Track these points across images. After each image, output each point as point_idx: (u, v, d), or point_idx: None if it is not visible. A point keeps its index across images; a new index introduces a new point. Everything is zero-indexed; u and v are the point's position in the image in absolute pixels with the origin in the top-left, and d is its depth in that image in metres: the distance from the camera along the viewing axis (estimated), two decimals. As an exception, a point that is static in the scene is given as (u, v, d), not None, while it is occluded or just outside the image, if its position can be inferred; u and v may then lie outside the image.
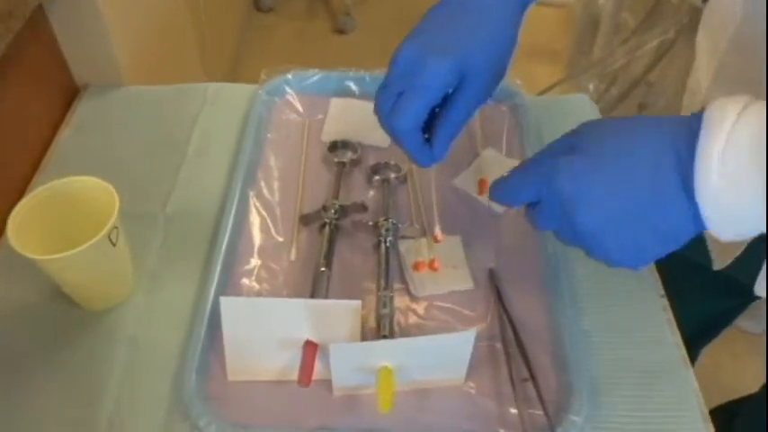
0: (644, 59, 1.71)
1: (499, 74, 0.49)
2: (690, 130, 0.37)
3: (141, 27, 0.84)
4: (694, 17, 1.49)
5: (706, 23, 0.68)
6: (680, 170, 0.37)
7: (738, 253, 0.60)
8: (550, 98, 0.75)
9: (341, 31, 2.18)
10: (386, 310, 0.51)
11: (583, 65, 1.91)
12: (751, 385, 0.85)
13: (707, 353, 0.99)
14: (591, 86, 1.88)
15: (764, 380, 0.80)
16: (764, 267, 0.59)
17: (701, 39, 0.68)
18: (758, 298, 0.71)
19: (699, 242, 0.66)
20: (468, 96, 0.48)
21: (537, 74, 1.87)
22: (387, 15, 2.20)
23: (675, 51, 1.60)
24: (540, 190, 0.42)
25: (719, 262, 0.63)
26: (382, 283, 0.53)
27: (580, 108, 0.74)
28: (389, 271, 0.54)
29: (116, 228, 0.49)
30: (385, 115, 0.48)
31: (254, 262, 0.57)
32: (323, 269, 0.53)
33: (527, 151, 0.65)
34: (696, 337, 0.95)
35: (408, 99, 0.46)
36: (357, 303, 0.46)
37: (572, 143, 0.41)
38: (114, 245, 0.49)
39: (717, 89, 0.60)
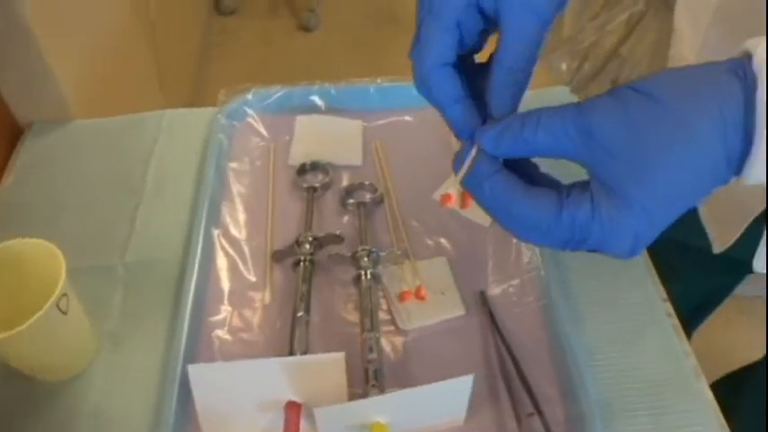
0: (615, 34, 1.67)
1: None
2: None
3: (87, 53, 0.78)
4: (664, -13, 1.45)
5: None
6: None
7: (738, 234, 0.57)
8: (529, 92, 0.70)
9: (306, 29, 2.12)
10: (372, 355, 0.46)
11: (553, 44, 1.87)
12: (748, 351, 0.83)
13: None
14: (563, 65, 1.84)
15: (764, 346, 0.78)
16: (763, 243, 0.56)
17: (681, 11, 0.65)
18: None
19: (695, 225, 0.63)
20: (511, 20, 0.35)
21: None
22: (352, 10, 2.15)
23: (646, 23, 1.57)
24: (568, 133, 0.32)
25: (719, 245, 0.60)
26: (366, 323, 0.48)
27: (560, 101, 0.70)
28: (373, 307, 0.50)
29: (65, 295, 0.44)
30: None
31: (226, 310, 0.52)
32: (300, 313, 0.49)
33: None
34: (692, 314, 0.93)
35: (424, 26, 0.36)
36: (340, 356, 0.41)
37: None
38: (65, 313, 0.44)
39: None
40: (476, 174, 0.35)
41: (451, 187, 0.38)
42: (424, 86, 0.38)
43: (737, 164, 0.31)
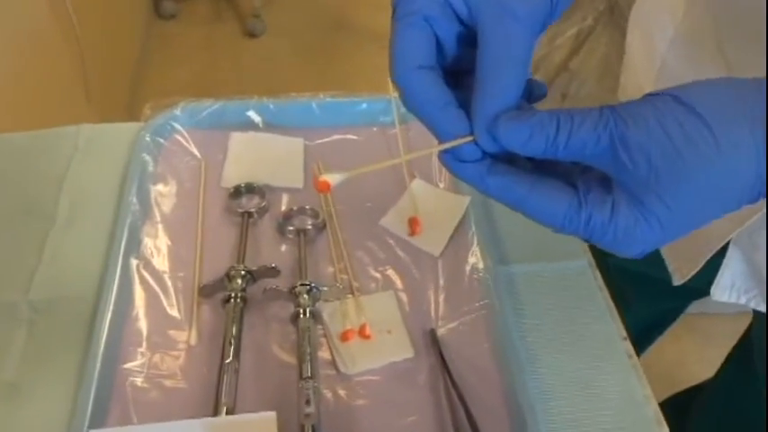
0: (564, 48, 1.68)
1: None
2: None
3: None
4: (612, 3, 1.46)
5: (638, 23, 0.63)
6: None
7: (700, 267, 0.55)
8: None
9: (251, 35, 2.05)
10: (310, 409, 0.41)
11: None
12: (693, 368, 0.82)
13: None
14: (514, 78, 1.83)
15: (711, 368, 0.77)
16: (722, 272, 0.54)
17: (634, 38, 0.64)
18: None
19: (653, 255, 0.61)
20: (485, 24, 0.31)
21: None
22: (298, 16, 2.09)
23: (595, 38, 1.57)
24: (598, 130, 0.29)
25: (678, 277, 0.58)
26: (304, 369, 0.43)
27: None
28: (312, 350, 0.45)
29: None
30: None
31: (145, 354, 0.46)
32: (229, 360, 0.43)
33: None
34: (641, 337, 0.92)
35: (395, 20, 0.32)
36: (271, 417, 0.36)
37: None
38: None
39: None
40: (475, 166, 0.31)
41: (338, 179, 0.33)
42: (404, 90, 0.32)
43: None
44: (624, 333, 0.50)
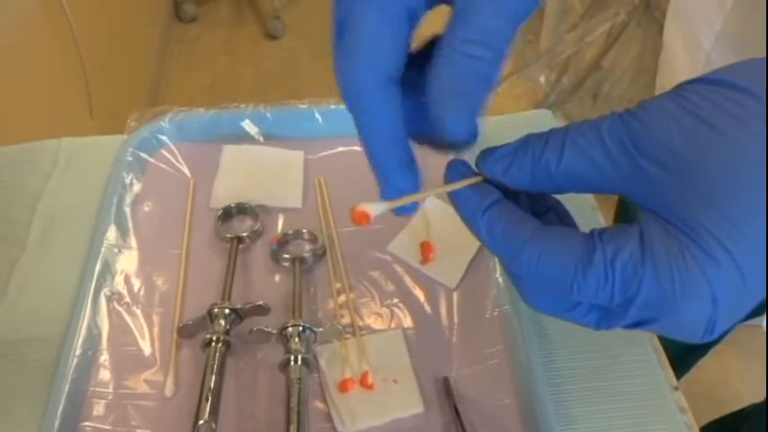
0: (595, 45, 1.59)
1: None
2: None
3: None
4: (647, -3, 1.36)
5: (678, 16, 0.55)
6: None
7: None
8: (506, 117, 0.59)
9: (272, 36, 2.01)
10: (297, 482, 0.34)
11: (531, 55, 1.78)
12: (739, 388, 0.74)
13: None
14: (542, 78, 1.75)
15: (758, 386, 0.68)
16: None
17: (673, 31, 0.57)
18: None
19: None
20: None
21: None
22: (318, 16, 2.04)
23: (629, 35, 1.48)
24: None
25: None
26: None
27: (542, 125, 0.59)
28: (301, 407, 0.38)
29: None
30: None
31: (111, 407, 0.40)
32: (203, 420, 0.37)
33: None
34: (682, 359, 0.84)
35: (354, 18, 0.25)
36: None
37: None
38: None
39: None
40: (468, 207, 0.25)
41: (379, 208, 0.26)
42: (354, 107, 0.26)
43: None
44: (675, 382, 0.42)
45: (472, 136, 0.24)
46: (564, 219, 0.27)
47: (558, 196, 0.27)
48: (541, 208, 0.27)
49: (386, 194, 0.26)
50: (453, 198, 0.26)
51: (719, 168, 0.19)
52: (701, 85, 0.21)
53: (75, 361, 0.41)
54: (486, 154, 0.25)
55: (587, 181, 0.22)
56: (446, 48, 0.24)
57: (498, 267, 0.46)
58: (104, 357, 0.42)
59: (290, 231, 0.49)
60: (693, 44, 0.52)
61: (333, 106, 0.56)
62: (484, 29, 0.23)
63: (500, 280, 0.46)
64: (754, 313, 0.49)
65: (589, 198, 0.52)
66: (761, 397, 0.70)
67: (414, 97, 0.26)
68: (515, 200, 0.25)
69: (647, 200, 0.21)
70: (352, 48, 0.25)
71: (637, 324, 0.22)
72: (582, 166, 0.22)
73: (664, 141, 0.20)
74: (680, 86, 0.21)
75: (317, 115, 0.56)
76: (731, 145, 0.19)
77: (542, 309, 0.24)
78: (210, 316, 0.42)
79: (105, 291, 0.45)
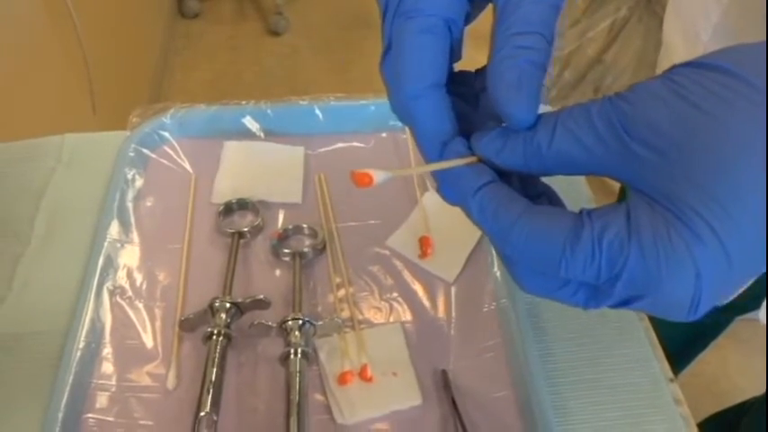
0: (597, 41, 1.58)
1: None
2: None
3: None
4: (648, -7, 1.36)
5: (677, 9, 0.56)
6: None
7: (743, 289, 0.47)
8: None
9: (274, 33, 2.01)
10: (295, 473, 0.35)
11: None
12: (739, 382, 0.74)
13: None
14: (544, 73, 1.75)
15: (757, 379, 0.69)
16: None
17: (672, 24, 0.57)
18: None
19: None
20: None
21: (483, 64, 1.74)
22: (321, 13, 2.04)
23: (630, 30, 1.48)
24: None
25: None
26: (290, 425, 0.37)
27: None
28: (301, 400, 0.39)
29: None
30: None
31: (114, 400, 0.41)
32: (204, 412, 0.37)
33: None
34: (681, 352, 0.84)
35: (398, 29, 0.26)
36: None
37: None
38: None
39: None
40: (461, 186, 0.25)
41: (382, 175, 0.26)
42: (405, 117, 0.27)
43: None
44: (671, 374, 0.43)
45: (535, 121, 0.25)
46: (555, 204, 0.27)
47: (555, 188, 0.28)
48: (533, 192, 0.27)
49: (442, 191, 0.26)
50: (448, 175, 0.26)
51: (706, 149, 0.20)
52: (690, 69, 0.21)
53: (78, 354, 0.41)
54: (481, 134, 0.25)
55: (578, 162, 0.23)
56: (498, 43, 0.25)
57: (496, 262, 0.47)
58: (107, 350, 0.43)
59: (291, 226, 0.50)
60: (692, 37, 0.53)
61: (333, 102, 0.57)
62: (528, 19, 0.24)
63: (498, 274, 0.46)
64: (751, 306, 0.49)
65: (586, 189, 0.52)
66: (761, 390, 0.70)
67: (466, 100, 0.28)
68: (508, 184, 0.26)
69: (636, 180, 0.22)
70: (395, 62, 0.26)
71: (624, 302, 0.23)
72: (572, 148, 0.22)
73: (653, 123, 0.21)
74: (669, 70, 0.22)
75: (318, 111, 0.56)
76: (718, 127, 0.20)
77: (533, 289, 0.25)
78: (212, 310, 0.43)
79: (108, 285, 0.45)
